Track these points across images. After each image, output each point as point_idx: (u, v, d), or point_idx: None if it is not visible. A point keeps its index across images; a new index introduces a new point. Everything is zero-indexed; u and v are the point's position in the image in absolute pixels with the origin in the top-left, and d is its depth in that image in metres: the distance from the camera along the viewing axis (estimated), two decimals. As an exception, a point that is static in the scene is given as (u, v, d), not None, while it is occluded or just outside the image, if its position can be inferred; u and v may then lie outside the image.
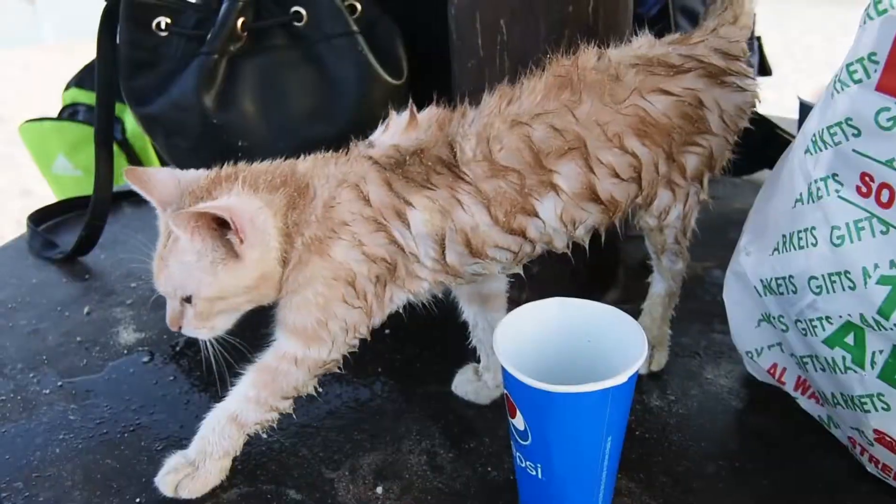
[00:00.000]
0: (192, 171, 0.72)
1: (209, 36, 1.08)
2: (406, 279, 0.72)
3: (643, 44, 0.76)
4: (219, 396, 0.75)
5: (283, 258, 0.68)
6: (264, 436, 0.78)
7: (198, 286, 0.68)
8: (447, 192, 0.68)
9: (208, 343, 0.73)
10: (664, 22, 1.26)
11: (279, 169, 0.70)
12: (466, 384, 0.85)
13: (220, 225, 0.66)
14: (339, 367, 0.74)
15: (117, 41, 1.13)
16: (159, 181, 0.70)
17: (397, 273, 0.70)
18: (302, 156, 0.73)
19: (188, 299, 0.69)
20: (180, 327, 0.71)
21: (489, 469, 0.75)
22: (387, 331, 0.97)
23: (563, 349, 0.68)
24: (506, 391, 0.63)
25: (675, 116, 0.72)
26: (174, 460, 0.74)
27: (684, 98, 0.73)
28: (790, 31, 6.17)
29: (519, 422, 0.62)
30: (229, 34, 1.07)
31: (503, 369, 0.62)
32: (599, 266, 1.00)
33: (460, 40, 0.89)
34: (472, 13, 0.86)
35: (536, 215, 0.70)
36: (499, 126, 0.69)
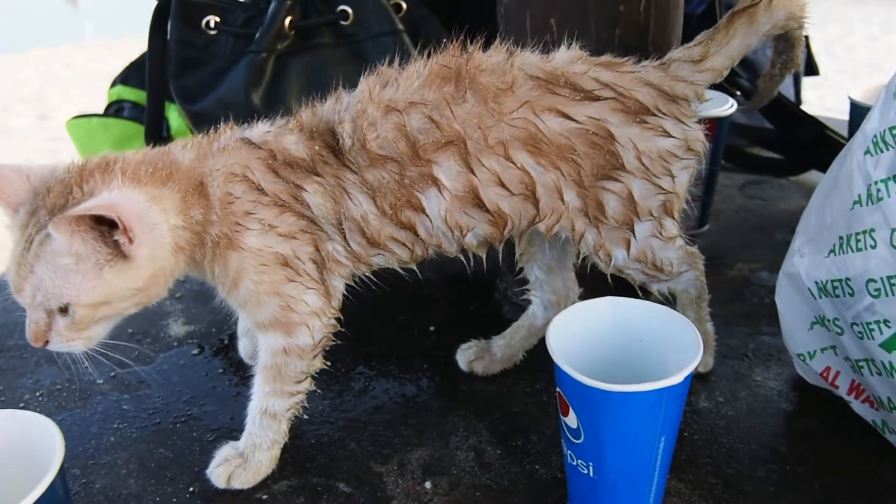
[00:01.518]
0: (43, 165, 0.65)
1: (258, 34, 1.09)
2: (333, 264, 0.71)
3: (568, 58, 0.71)
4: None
5: (190, 257, 0.66)
6: (312, 428, 0.80)
7: (77, 292, 0.61)
8: (334, 180, 0.68)
9: None
10: (712, 20, 1.25)
11: (159, 160, 0.65)
12: (476, 361, 0.88)
13: (101, 223, 0.60)
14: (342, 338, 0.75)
15: (167, 40, 1.15)
16: (3, 179, 0.63)
17: (322, 254, 0.70)
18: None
19: (64, 308, 0.62)
20: (46, 342, 0.64)
21: (537, 467, 0.76)
22: (431, 328, 0.98)
23: (614, 348, 0.68)
24: (558, 389, 0.63)
25: (579, 143, 0.68)
26: (225, 451, 0.75)
27: (588, 127, 0.68)
28: (832, 31, 6.06)
29: (571, 420, 0.62)
30: (277, 33, 1.09)
31: (556, 367, 0.62)
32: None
33: (509, 39, 0.89)
34: (523, 12, 0.86)
35: (423, 211, 0.69)
36: (372, 112, 0.67)
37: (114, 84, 1.87)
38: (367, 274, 0.75)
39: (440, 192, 0.68)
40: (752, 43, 0.76)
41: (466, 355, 0.89)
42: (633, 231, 0.73)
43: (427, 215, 0.69)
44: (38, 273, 0.61)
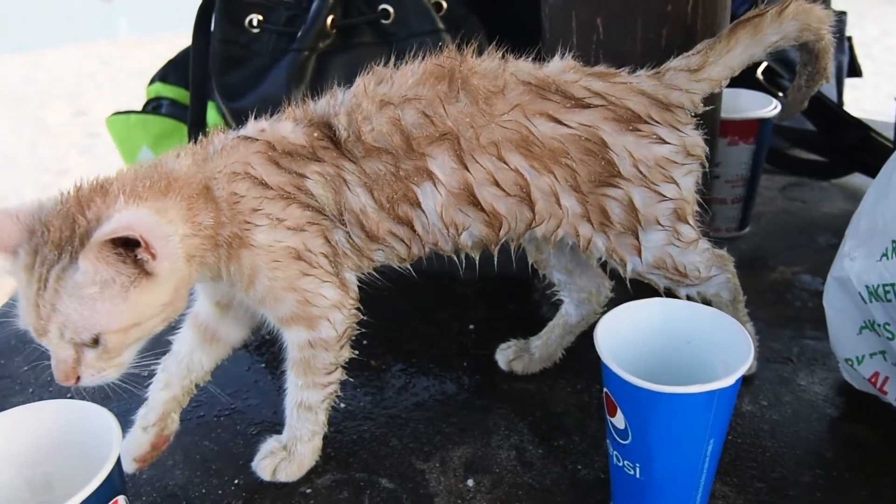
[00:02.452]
0: (27, 202, 0.62)
1: (300, 33, 1.10)
2: (341, 256, 0.71)
3: (561, 67, 0.71)
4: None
5: (201, 264, 0.65)
6: (354, 424, 0.80)
7: (108, 319, 0.59)
8: (334, 169, 0.67)
9: None
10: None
11: (154, 173, 0.64)
12: (515, 360, 0.89)
13: (118, 244, 0.58)
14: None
15: (211, 38, 1.17)
16: None
17: (333, 245, 0.70)
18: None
19: (95, 340, 0.61)
20: (78, 378, 0.63)
21: (579, 467, 0.75)
22: (471, 326, 0.98)
23: (660, 350, 0.68)
24: (605, 389, 0.63)
25: (573, 149, 0.69)
26: (269, 444, 0.76)
27: (580, 133, 0.69)
28: (869, 31, 5.96)
29: (619, 420, 0.62)
30: (319, 31, 1.10)
31: (605, 368, 0.62)
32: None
33: (553, 39, 0.89)
34: (568, 11, 0.86)
35: (420, 206, 0.69)
36: (367, 106, 0.68)
37: (152, 81, 1.90)
38: (370, 271, 0.75)
39: (435, 186, 0.68)
40: (756, 54, 0.74)
41: (506, 355, 0.89)
42: (637, 239, 0.73)
43: (423, 210, 0.69)
44: (63, 310, 0.58)
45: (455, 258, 0.75)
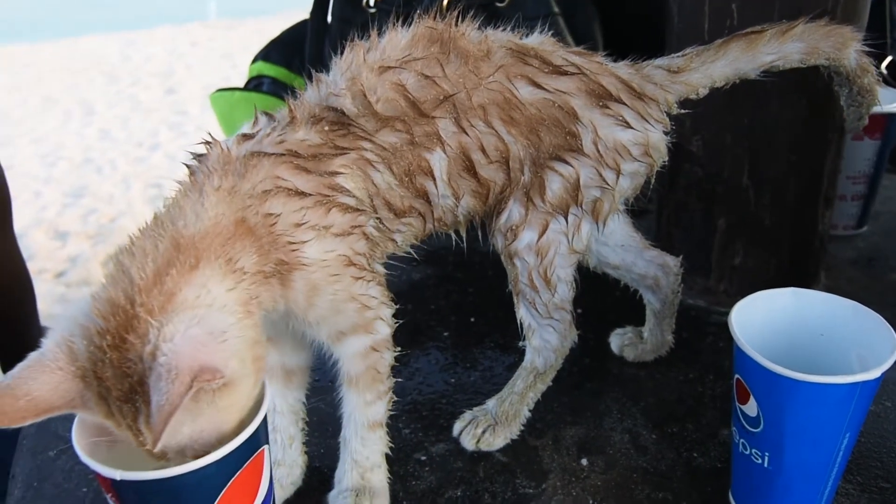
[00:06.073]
0: (49, 340, 0.54)
1: (415, 14, 1.12)
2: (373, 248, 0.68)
3: (538, 39, 0.71)
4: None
5: (258, 305, 0.59)
6: (465, 398, 0.82)
7: (217, 426, 0.55)
8: (356, 153, 0.64)
9: None
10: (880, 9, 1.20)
11: (173, 251, 0.55)
12: (628, 347, 0.89)
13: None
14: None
15: (328, 19, 1.20)
16: (40, 384, 0.52)
17: (372, 241, 0.67)
18: (154, 221, 0.58)
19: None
20: None
21: (694, 455, 0.75)
22: (579, 310, 0.98)
23: (792, 341, 0.67)
24: (737, 375, 0.63)
25: (546, 115, 0.68)
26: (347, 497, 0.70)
27: (555, 100, 0.68)
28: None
29: (751, 408, 0.61)
30: (435, 13, 1.11)
31: (739, 353, 0.61)
32: (802, 261, 0.97)
33: (683, 23, 0.88)
34: (701, -4, 0.85)
35: (432, 175, 0.67)
36: (367, 75, 0.65)
37: (255, 60, 1.96)
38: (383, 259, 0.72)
39: (444, 151, 0.67)
40: (744, 69, 0.72)
41: (621, 340, 0.89)
42: (566, 217, 0.71)
43: (434, 179, 0.68)
44: (170, 444, 0.54)
45: (454, 234, 0.74)
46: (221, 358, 0.52)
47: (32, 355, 0.53)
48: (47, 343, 0.53)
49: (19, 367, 0.52)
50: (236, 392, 0.55)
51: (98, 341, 0.52)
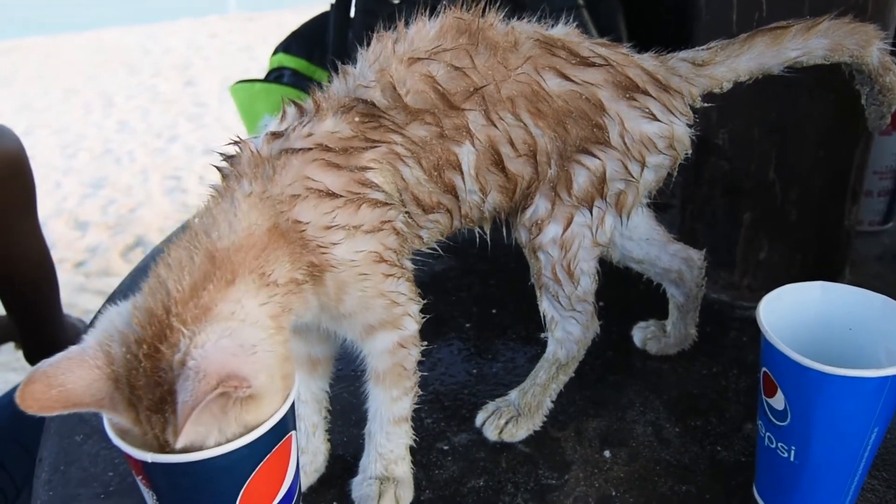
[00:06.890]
0: (91, 338, 0.54)
1: (442, 4, 1.12)
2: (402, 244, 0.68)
3: (563, 30, 0.70)
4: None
5: (289, 312, 0.59)
6: (488, 388, 0.82)
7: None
8: (386, 147, 0.63)
9: None
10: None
11: (210, 266, 0.55)
12: (651, 340, 0.89)
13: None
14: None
15: (351, 11, 1.20)
16: (73, 379, 0.52)
17: (402, 236, 0.66)
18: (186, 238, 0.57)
19: None
20: None
21: (718, 448, 0.75)
22: (601, 303, 0.98)
23: (820, 335, 0.66)
24: (764, 368, 0.62)
25: (573, 107, 0.68)
26: (365, 487, 0.71)
27: (582, 92, 0.68)
28: None
29: (778, 401, 0.61)
30: (462, 3, 1.11)
31: (766, 346, 0.61)
32: (827, 257, 0.97)
33: (710, 15, 0.88)
34: (729, -12, 0.84)
35: (460, 169, 0.67)
36: (396, 67, 0.64)
37: (275, 52, 1.97)
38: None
39: (473, 145, 0.67)
40: (769, 64, 0.72)
41: (644, 333, 0.89)
42: (591, 210, 0.71)
43: (462, 174, 0.67)
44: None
45: (479, 231, 0.74)
46: (251, 369, 0.52)
47: (74, 349, 0.53)
48: (89, 340, 0.54)
49: (59, 357, 0.52)
50: (263, 407, 0.54)
51: (135, 349, 0.52)
